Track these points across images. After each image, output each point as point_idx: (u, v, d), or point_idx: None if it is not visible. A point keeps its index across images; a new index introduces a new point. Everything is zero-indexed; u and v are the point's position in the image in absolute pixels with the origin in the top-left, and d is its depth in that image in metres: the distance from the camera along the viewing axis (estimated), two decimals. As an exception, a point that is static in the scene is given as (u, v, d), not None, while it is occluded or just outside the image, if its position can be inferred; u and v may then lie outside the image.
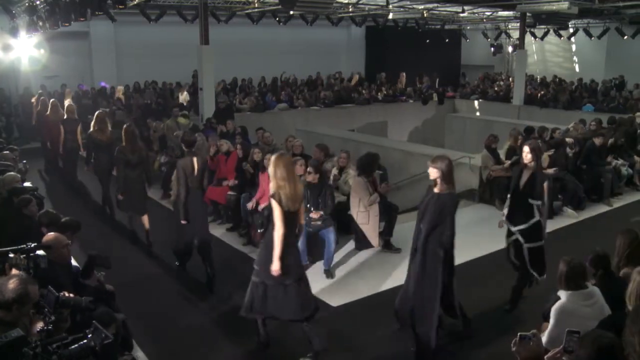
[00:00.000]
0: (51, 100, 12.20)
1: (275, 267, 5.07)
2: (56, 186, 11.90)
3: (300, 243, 6.45)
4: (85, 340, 3.14)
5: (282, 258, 5.05)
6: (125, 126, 8.69)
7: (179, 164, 7.10)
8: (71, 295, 3.86)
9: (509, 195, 6.40)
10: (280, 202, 5.03)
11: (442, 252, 5.14)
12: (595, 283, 4.49)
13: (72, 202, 10.66)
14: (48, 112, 11.72)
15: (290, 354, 5.45)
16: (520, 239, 6.23)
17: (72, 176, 11.54)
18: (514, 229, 6.28)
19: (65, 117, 11.36)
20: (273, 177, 5.14)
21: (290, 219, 5.10)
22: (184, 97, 18.47)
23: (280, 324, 5.68)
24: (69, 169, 11.58)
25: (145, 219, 8.43)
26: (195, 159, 7.05)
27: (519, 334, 3.77)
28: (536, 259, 6.22)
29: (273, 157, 5.24)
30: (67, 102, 12.06)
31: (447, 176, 5.15)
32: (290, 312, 5.22)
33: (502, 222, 6.42)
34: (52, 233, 4.94)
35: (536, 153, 6.05)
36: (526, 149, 6.12)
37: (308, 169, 7.48)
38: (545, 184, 6.02)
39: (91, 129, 9.51)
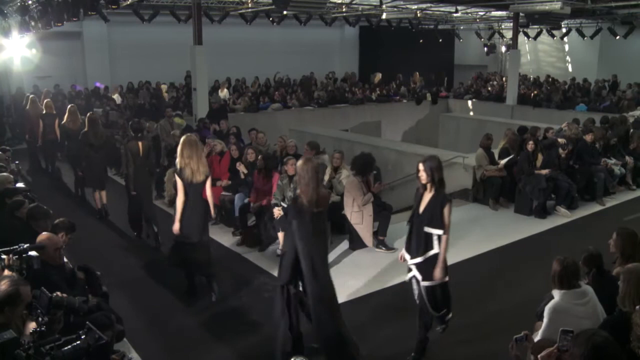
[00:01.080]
0: (30, 96, 13.08)
1: (176, 227, 6.36)
2: (50, 187, 11.84)
3: None
4: (78, 342, 3.13)
5: (182, 220, 6.30)
6: (88, 114, 10.26)
7: (127, 146, 8.51)
8: (64, 295, 3.85)
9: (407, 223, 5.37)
10: (182, 176, 6.21)
11: None
12: (588, 282, 4.51)
13: (67, 202, 10.60)
14: (28, 107, 12.71)
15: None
16: (417, 275, 5.15)
17: (52, 164, 12.80)
18: (410, 262, 5.21)
19: (44, 112, 12.13)
20: (180, 156, 6.21)
21: (192, 189, 6.28)
22: (224, 94, 18.78)
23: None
24: (49, 157, 12.87)
25: (103, 194, 9.76)
26: (140, 143, 8.42)
27: (514, 337, 3.80)
28: (437, 301, 5.15)
29: (181, 139, 6.35)
30: (45, 100, 12.74)
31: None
32: (195, 267, 6.38)
33: (402, 254, 5.37)
34: (45, 233, 4.92)
35: (432, 172, 4.89)
36: (420, 166, 4.95)
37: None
38: (446, 209, 4.91)
39: (64, 121, 11.01)
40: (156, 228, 8.27)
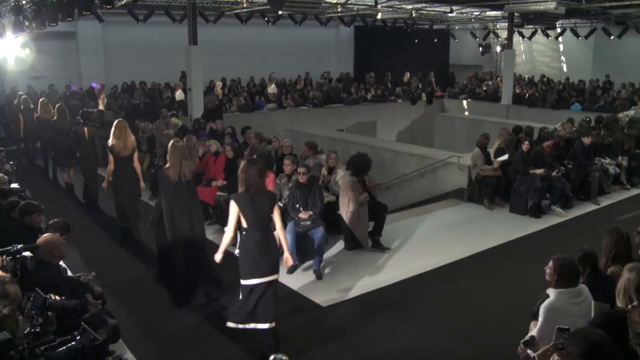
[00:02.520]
0: (23, 96, 14.05)
1: (105, 184, 8.51)
2: (44, 187, 11.81)
3: (289, 243, 6.50)
4: (73, 343, 3.11)
5: (114, 183, 8.09)
6: (57, 105, 11.58)
7: (75, 131, 10.29)
8: (58, 297, 3.84)
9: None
10: (112, 152, 7.96)
11: None
12: (583, 281, 4.52)
13: (61, 203, 10.56)
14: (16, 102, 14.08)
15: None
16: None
17: (32, 152, 14.22)
18: None
19: (22, 107, 13.46)
20: (112, 136, 7.92)
21: (120, 161, 7.99)
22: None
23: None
24: (28, 147, 14.31)
25: (71, 172, 11.22)
26: (86, 129, 10.22)
27: (521, 342, 3.83)
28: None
29: (114, 123, 8.04)
30: (23, 97, 13.97)
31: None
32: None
33: None
34: (47, 234, 4.94)
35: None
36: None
37: (300, 170, 7.47)
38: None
39: (38, 113, 12.28)
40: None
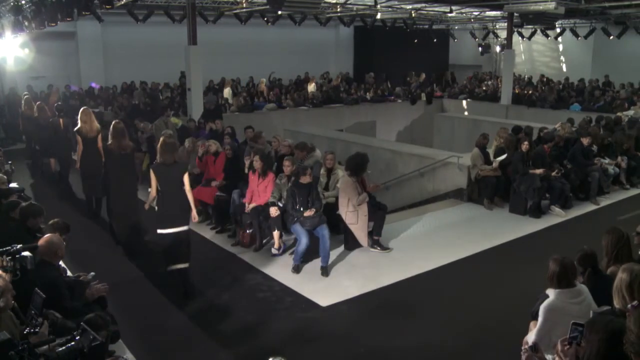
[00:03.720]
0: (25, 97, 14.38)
1: (77, 165, 9.64)
2: (43, 187, 11.81)
3: (304, 245, 7.22)
4: (72, 343, 3.11)
5: (82, 159, 9.33)
6: (37, 103, 12.77)
7: (51, 123, 11.50)
8: (59, 315, 3.85)
9: None
10: (81, 134, 9.20)
11: None
12: (583, 281, 4.52)
13: (59, 203, 10.56)
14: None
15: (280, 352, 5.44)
16: None
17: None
18: None
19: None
20: (80, 121, 9.18)
21: (87, 141, 9.25)
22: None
23: (264, 322, 5.67)
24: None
25: (53, 161, 11.97)
26: (61, 120, 11.50)
27: (527, 346, 3.84)
28: None
29: (80, 110, 9.47)
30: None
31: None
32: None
33: None
34: (49, 234, 4.95)
35: None
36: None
37: (307, 172, 7.48)
38: None
39: (22, 110, 13.34)
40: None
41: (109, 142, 7.91)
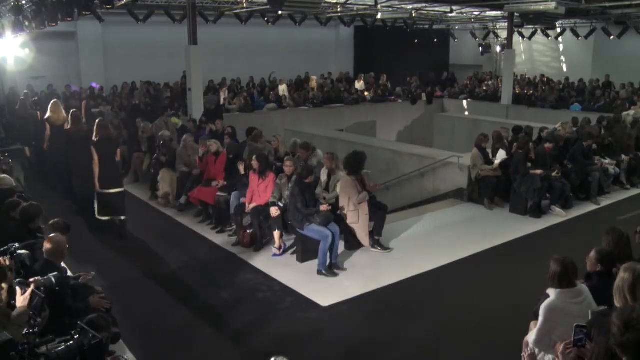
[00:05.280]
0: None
1: (45, 146, 10.96)
2: (41, 186, 11.80)
3: (327, 246, 7.16)
4: (72, 342, 3.11)
5: (50, 142, 10.65)
6: (21, 98, 14.43)
7: (29, 115, 12.75)
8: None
9: None
10: (49, 121, 10.34)
11: None
12: (593, 279, 4.51)
13: (59, 203, 10.56)
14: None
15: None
16: None
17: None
18: None
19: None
20: (49, 111, 10.43)
21: (54, 128, 10.36)
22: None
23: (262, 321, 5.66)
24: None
25: (27, 149, 13.32)
26: (38, 113, 12.01)
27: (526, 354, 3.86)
28: None
29: (51, 102, 10.82)
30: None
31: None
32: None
33: None
34: (54, 235, 4.95)
35: None
36: None
37: (311, 172, 7.51)
38: None
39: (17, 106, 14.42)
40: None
41: (69, 126, 9.68)
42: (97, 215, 8.62)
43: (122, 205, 8.68)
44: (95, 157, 8.42)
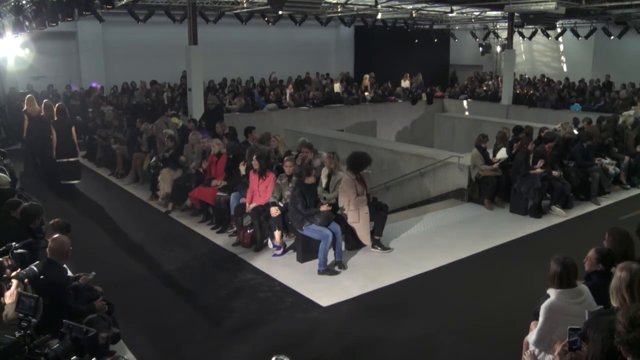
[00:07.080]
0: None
1: (24, 135, 12.08)
2: (41, 186, 11.81)
3: (328, 244, 7.19)
4: (67, 338, 3.13)
5: (27, 131, 11.88)
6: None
7: (15, 107, 14.75)
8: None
9: None
10: (27, 113, 11.58)
11: None
12: (592, 278, 4.51)
13: (59, 202, 10.57)
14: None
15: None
16: None
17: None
18: None
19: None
20: (26, 105, 11.77)
21: (31, 119, 11.62)
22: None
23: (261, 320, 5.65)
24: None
25: None
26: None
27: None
28: None
29: (26, 97, 12.31)
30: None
31: None
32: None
33: None
34: (57, 235, 4.94)
35: None
36: None
37: (311, 172, 7.51)
38: None
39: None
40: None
41: (42, 113, 11.45)
42: (61, 181, 10.97)
43: (78, 172, 11.24)
44: (54, 133, 10.78)
